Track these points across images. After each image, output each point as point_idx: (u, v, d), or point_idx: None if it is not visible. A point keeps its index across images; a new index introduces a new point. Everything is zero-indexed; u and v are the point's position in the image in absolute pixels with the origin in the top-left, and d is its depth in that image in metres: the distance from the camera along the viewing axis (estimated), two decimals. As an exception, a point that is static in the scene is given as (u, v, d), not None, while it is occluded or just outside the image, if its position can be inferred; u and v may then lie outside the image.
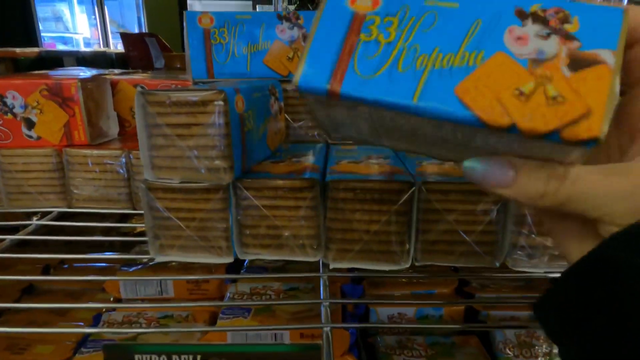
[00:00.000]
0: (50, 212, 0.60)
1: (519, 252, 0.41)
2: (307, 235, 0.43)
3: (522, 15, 0.22)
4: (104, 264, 0.81)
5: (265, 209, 0.42)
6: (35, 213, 0.62)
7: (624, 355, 0.17)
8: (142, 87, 0.39)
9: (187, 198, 0.42)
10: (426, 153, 0.31)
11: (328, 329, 0.35)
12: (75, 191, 0.58)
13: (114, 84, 0.64)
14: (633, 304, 0.17)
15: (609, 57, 0.21)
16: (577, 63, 0.21)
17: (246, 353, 0.26)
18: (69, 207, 0.59)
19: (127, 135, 0.66)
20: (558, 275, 0.47)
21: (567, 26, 0.22)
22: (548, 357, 0.65)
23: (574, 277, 0.21)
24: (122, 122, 0.66)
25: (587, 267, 0.20)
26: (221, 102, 0.38)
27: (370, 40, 0.24)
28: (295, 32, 0.54)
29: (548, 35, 0.22)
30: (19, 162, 0.57)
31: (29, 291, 0.78)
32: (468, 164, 0.23)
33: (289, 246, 0.43)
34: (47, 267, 0.81)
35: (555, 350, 0.66)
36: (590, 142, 0.20)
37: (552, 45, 0.21)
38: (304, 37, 0.55)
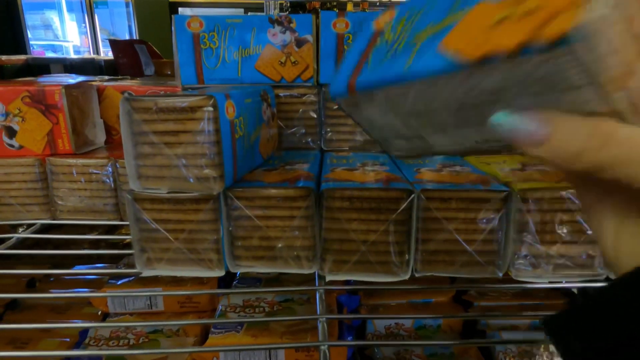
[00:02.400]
0: (33, 224, 0.57)
1: (521, 261, 0.39)
2: (302, 246, 0.41)
3: None
4: (91, 277, 0.78)
5: (257, 219, 0.41)
6: (18, 225, 0.59)
7: None
8: (129, 94, 0.37)
9: (175, 209, 0.40)
10: (464, 138, 0.27)
11: (325, 347, 0.33)
12: (59, 202, 0.55)
13: (100, 91, 0.62)
14: None
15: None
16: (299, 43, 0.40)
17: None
18: (53, 219, 0.57)
19: (114, 143, 0.64)
20: (562, 285, 0.46)
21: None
22: (549, 367, 0.63)
23: (614, 295, 0.18)
24: (109, 130, 0.64)
25: (633, 287, 0.17)
26: (210, 108, 0.36)
27: (381, 44, 0.28)
28: (288, 36, 0.53)
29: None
30: (-1, 172, 0.55)
31: (12, 306, 0.75)
32: (496, 118, 0.20)
33: (283, 258, 0.41)
34: (32, 281, 0.78)
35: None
36: (578, 32, 0.16)
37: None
38: (297, 41, 0.53)
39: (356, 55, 0.29)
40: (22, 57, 1.32)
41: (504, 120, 0.19)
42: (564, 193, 0.37)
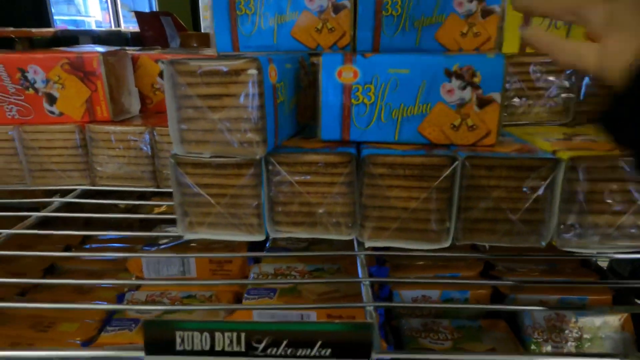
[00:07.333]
0: (73, 190, 0.59)
1: (567, 231, 0.38)
2: (342, 212, 0.41)
3: (449, 74, 0.39)
4: (124, 245, 0.80)
5: (298, 185, 0.41)
6: (58, 191, 0.61)
7: None
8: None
9: (217, 173, 0.41)
10: None
11: (371, 308, 0.34)
12: (98, 168, 0.57)
13: (134, 60, 0.63)
14: None
15: (498, 97, 0.39)
16: (482, 103, 0.39)
17: (294, 331, 0.24)
18: (93, 185, 0.58)
19: (148, 112, 0.65)
20: (610, 255, 0.46)
21: (475, 79, 0.39)
22: (578, 342, 0.63)
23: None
24: (143, 98, 0.65)
25: None
26: (255, 71, 0.36)
27: (359, 103, 0.41)
28: (324, 1, 0.51)
29: (465, 87, 0.39)
30: (41, 138, 0.56)
31: (50, 271, 0.78)
32: None
33: (323, 224, 0.42)
34: (68, 247, 0.80)
35: (586, 336, 0.64)
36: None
37: (468, 94, 0.39)
38: (334, 7, 0.52)
39: (338, 106, 0.41)
40: (52, 29, 1.34)
41: None
42: (614, 162, 0.36)
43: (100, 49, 0.64)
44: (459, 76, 0.39)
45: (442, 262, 0.66)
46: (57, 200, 0.57)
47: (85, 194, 0.60)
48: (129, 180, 0.57)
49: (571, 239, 0.38)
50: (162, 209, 0.84)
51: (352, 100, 0.41)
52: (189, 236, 0.43)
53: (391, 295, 0.67)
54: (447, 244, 0.40)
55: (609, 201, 0.37)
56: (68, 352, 0.31)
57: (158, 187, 0.57)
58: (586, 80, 0.52)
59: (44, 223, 0.64)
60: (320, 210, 0.41)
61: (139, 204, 0.81)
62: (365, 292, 0.36)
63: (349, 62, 0.40)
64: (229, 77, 0.37)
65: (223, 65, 0.37)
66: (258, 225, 0.42)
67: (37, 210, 0.57)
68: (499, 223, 0.40)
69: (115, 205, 0.69)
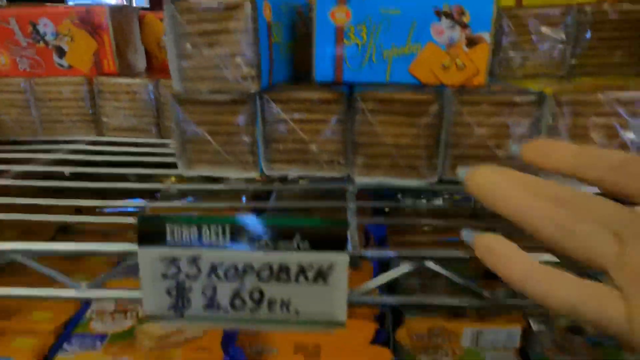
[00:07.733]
0: (80, 141, 0.61)
1: (552, 166, 0.39)
2: (335, 150, 0.43)
3: (439, 14, 0.39)
4: (133, 209, 0.83)
5: (292, 122, 0.42)
6: (66, 142, 0.63)
7: None
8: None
9: (215, 111, 0.43)
10: None
11: (355, 223, 0.36)
12: (105, 120, 0.59)
13: (141, 18, 0.65)
14: None
15: (487, 37, 0.40)
16: (470, 43, 0.40)
17: (275, 225, 0.26)
18: (99, 136, 0.60)
19: (154, 70, 0.67)
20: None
21: (463, 18, 0.39)
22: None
23: None
24: (148, 56, 0.67)
25: None
26: (249, 5, 0.38)
27: (352, 45, 0.41)
28: (324, -46, 0.53)
29: (453, 27, 0.39)
30: (52, 90, 0.58)
31: (63, 230, 0.82)
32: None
33: (317, 161, 0.43)
34: (79, 210, 0.83)
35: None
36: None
37: (456, 33, 0.40)
38: (333, -40, 0.53)
39: (332, 46, 0.41)
40: (64, 5, 1.37)
41: None
42: (600, 96, 0.37)
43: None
44: (448, 15, 0.39)
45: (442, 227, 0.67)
46: (66, 147, 0.59)
47: (91, 144, 0.62)
48: (135, 132, 0.59)
49: (556, 176, 0.39)
50: (172, 180, 0.87)
51: (345, 41, 0.41)
52: (187, 173, 0.45)
53: (390, 261, 0.68)
54: (433, 180, 0.42)
55: (593, 136, 0.38)
56: (87, 246, 0.34)
57: (162, 138, 0.59)
58: (588, 34, 0.53)
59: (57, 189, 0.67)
60: (314, 148, 0.43)
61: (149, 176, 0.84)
62: (350, 214, 0.38)
63: (343, 2, 0.41)
64: (225, 12, 0.39)
65: (219, 2, 0.38)
66: (253, 163, 0.44)
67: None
68: (486, 160, 0.41)
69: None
